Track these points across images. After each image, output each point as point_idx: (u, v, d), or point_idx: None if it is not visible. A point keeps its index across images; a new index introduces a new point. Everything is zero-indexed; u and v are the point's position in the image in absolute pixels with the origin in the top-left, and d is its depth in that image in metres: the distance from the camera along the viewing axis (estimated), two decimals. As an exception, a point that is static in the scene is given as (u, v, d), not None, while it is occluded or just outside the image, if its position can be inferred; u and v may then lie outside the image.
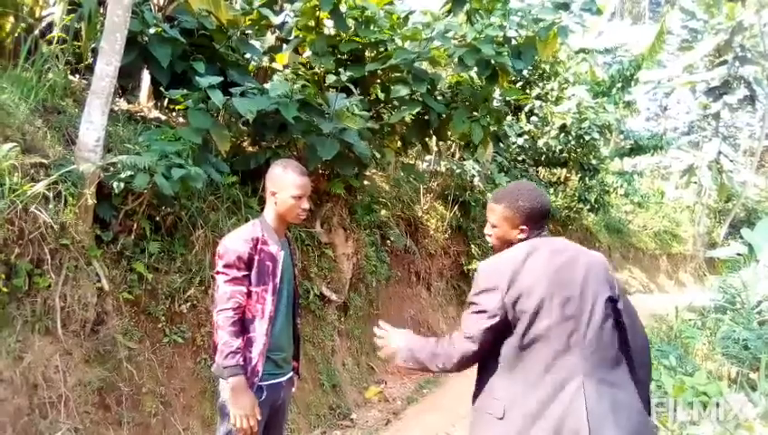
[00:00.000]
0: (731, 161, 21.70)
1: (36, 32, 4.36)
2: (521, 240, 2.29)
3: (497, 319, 2.11)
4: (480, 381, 2.24)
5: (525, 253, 2.19)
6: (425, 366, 2.30)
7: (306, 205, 2.75)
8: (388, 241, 7.31)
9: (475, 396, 2.24)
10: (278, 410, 2.80)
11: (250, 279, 2.59)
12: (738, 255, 10.89)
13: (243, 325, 2.57)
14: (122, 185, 3.53)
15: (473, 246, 9.39)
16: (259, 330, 2.60)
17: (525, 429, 2.02)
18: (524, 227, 2.29)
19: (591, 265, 2.22)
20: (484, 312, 2.13)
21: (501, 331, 2.13)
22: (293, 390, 3.05)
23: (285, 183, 2.66)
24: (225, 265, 2.56)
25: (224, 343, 2.49)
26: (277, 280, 2.65)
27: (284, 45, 5.84)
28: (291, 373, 2.88)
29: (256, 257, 2.60)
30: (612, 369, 2.12)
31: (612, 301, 2.19)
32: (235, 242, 2.60)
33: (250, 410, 2.49)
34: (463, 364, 2.19)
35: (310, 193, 2.78)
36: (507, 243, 2.34)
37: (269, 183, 2.71)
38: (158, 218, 4.08)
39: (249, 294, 2.59)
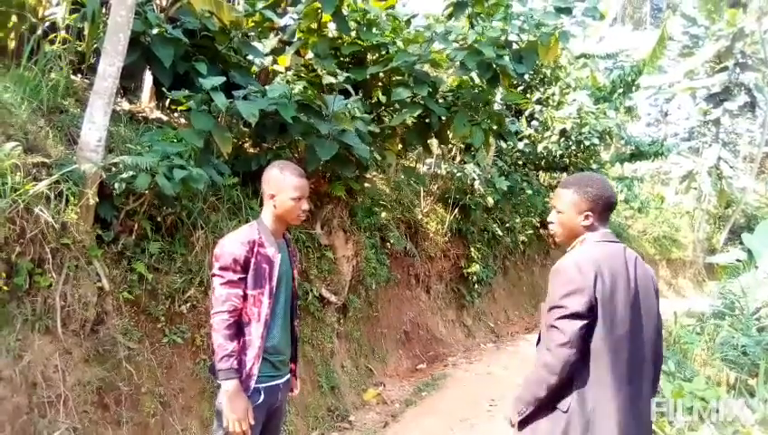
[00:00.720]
0: (731, 167, 21.74)
1: (39, 31, 4.36)
2: (585, 228, 2.34)
3: (589, 320, 2.14)
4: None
5: (599, 253, 2.25)
6: (536, 397, 2.24)
7: (306, 206, 2.75)
8: (388, 244, 7.31)
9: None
10: (275, 413, 2.80)
11: (246, 282, 2.58)
12: (738, 261, 10.89)
13: (238, 328, 2.56)
14: (124, 185, 3.54)
15: (472, 249, 9.39)
16: (255, 333, 2.59)
17: (585, 428, 2.15)
18: (589, 214, 2.32)
19: (647, 280, 2.33)
20: (576, 315, 2.14)
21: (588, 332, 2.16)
22: (295, 392, 3.05)
23: (284, 185, 2.66)
24: (222, 268, 2.56)
25: (218, 345, 2.49)
26: (273, 283, 2.64)
27: (287, 47, 5.85)
28: (288, 375, 2.88)
29: (253, 260, 2.58)
30: (645, 381, 2.27)
31: (656, 307, 2.35)
32: (232, 244, 2.58)
33: (243, 414, 2.48)
34: (564, 372, 2.15)
35: (309, 194, 2.80)
36: (571, 231, 2.39)
37: (266, 186, 2.70)
38: (158, 219, 4.08)
39: (245, 297, 2.58)
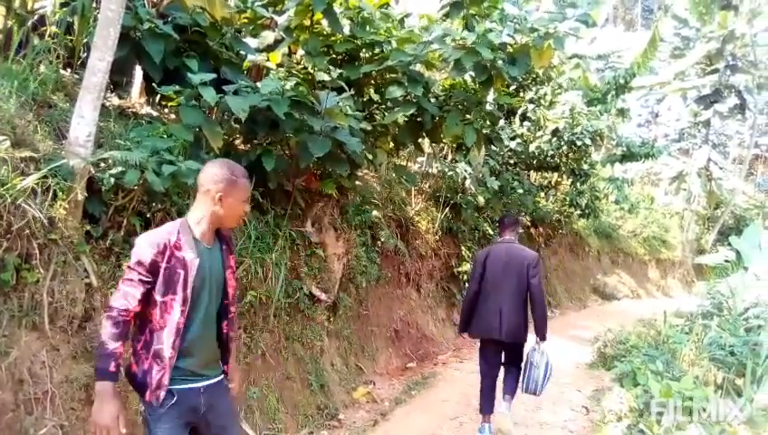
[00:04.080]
0: (720, 169, 21.92)
1: (28, 24, 4.32)
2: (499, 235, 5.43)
3: (480, 277, 5.13)
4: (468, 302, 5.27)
5: (488, 251, 5.26)
6: (464, 314, 5.30)
7: (247, 208, 2.69)
8: (379, 242, 7.31)
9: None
10: (210, 415, 2.63)
11: (154, 286, 2.43)
12: (726, 261, 10.98)
13: (125, 329, 2.40)
14: (112, 180, 3.51)
15: (463, 248, 9.42)
16: (166, 342, 2.44)
17: (477, 321, 5.12)
18: (499, 231, 5.43)
19: (519, 260, 5.03)
20: (473, 278, 5.21)
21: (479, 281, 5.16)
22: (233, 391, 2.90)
23: (237, 188, 2.55)
24: (128, 265, 2.44)
25: (99, 343, 2.37)
26: (188, 290, 2.47)
27: (280, 44, 5.83)
28: (217, 378, 2.71)
29: (163, 265, 2.43)
30: (517, 304, 4.99)
31: (527, 277, 4.96)
32: (141, 245, 2.44)
33: (112, 421, 2.30)
34: (470, 297, 5.20)
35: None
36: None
37: (213, 185, 2.52)
38: (148, 215, 4.05)
39: (154, 304, 2.44)
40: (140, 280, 2.40)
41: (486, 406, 5.12)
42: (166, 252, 2.43)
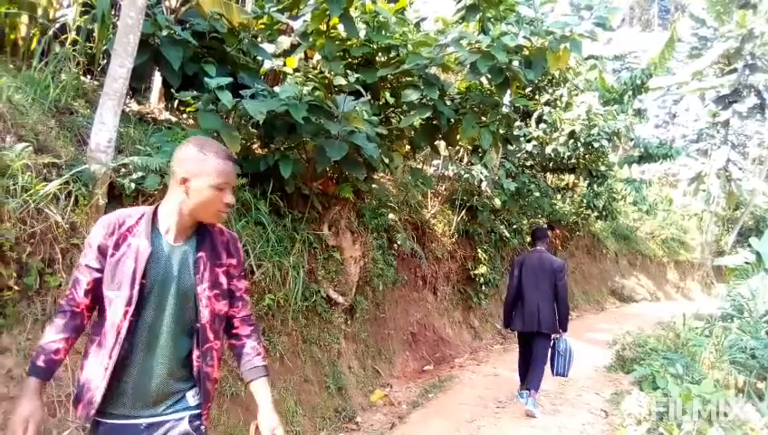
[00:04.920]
0: (740, 169, 21.66)
1: (50, 33, 4.40)
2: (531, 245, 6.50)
3: (516, 278, 6.14)
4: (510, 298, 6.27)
5: (523, 257, 6.29)
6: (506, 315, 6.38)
7: (230, 199, 2.05)
8: (396, 245, 7.32)
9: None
10: None
11: (103, 276, 1.98)
12: (746, 263, 10.85)
13: (72, 321, 1.99)
14: (133, 186, 3.57)
15: (479, 250, 9.39)
16: (107, 345, 1.94)
17: (520, 318, 6.06)
18: (530, 241, 6.64)
19: (549, 266, 6.03)
20: (511, 275, 6.28)
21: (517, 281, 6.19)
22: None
23: (203, 168, 1.96)
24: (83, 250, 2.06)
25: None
26: (135, 289, 1.94)
27: (297, 49, 5.87)
28: (168, 416, 2.03)
29: (110, 250, 1.97)
30: (549, 302, 5.96)
31: (555, 280, 5.96)
32: (96, 225, 2.03)
33: (18, 424, 1.83)
34: (511, 296, 6.21)
35: (234, 185, 2.12)
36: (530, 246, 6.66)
37: (178, 167, 1.98)
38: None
39: (103, 297, 1.98)
40: (87, 265, 1.99)
41: (524, 376, 6.27)
42: (115, 234, 1.99)
